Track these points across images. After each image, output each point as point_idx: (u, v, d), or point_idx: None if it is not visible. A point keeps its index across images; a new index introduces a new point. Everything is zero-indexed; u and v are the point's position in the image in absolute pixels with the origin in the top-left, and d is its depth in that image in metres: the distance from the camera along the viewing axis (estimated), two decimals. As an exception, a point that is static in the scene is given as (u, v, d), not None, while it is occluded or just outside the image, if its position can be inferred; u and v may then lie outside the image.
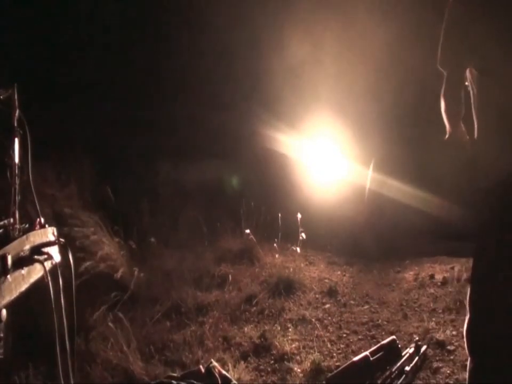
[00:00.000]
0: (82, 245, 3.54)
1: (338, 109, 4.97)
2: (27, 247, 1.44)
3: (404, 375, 2.38)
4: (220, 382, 2.33)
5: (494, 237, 1.88)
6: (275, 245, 4.32)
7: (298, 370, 2.72)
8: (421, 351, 2.65)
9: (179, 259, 4.15)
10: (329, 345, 3.00)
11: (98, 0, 5.60)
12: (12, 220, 1.47)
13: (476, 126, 2.12)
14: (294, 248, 4.22)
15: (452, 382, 2.50)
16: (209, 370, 2.37)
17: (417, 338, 2.84)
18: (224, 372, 2.42)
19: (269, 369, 2.78)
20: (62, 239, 1.61)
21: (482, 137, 2.11)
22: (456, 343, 2.81)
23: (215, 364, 2.45)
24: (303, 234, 4.11)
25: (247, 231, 4.25)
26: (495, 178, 1.93)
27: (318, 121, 5.01)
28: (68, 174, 4.33)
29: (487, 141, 2.09)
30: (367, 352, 2.48)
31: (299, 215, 4.16)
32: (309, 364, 2.74)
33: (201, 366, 2.45)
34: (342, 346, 3.01)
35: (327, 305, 3.58)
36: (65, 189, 4.17)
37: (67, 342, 1.51)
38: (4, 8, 4.66)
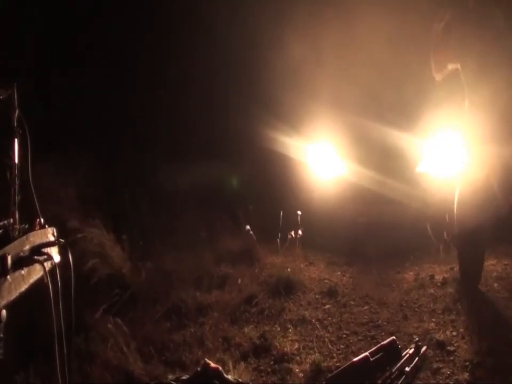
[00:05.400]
0: (82, 245, 3.54)
1: (339, 109, 4.97)
2: (27, 247, 1.44)
3: (404, 376, 2.37)
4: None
5: None
6: (276, 244, 4.32)
7: (298, 370, 2.72)
8: (421, 352, 2.64)
9: (179, 259, 4.14)
10: (329, 346, 2.99)
11: (100, 0, 5.60)
12: (11, 220, 1.47)
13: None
14: (294, 241, 4.23)
15: (452, 382, 2.51)
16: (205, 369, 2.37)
17: (417, 338, 2.83)
18: (220, 369, 2.42)
19: (269, 370, 2.78)
20: (61, 240, 1.61)
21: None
22: (456, 344, 2.81)
23: (208, 361, 2.45)
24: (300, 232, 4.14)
25: (247, 227, 4.25)
26: None
27: (318, 121, 5.00)
28: (68, 174, 4.33)
29: None
30: (367, 353, 2.47)
31: (299, 212, 4.20)
32: (308, 365, 2.74)
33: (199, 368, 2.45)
34: (342, 346, 3.01)
35: (327, 306, 3.58)
36: (65, 189, 4.17)
37: (64, 342, 1.51)
38: (7, 7, 4.66)
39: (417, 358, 2.55)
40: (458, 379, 2.51)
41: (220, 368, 2.41)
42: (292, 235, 4.24)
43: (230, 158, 5.33)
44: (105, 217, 4.04)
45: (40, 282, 1.46)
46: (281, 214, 4.44)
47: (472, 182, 2.91)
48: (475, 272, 3.35)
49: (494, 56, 2.42)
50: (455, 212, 3.23)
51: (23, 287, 1.38)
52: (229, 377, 2.39)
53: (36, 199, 1.61)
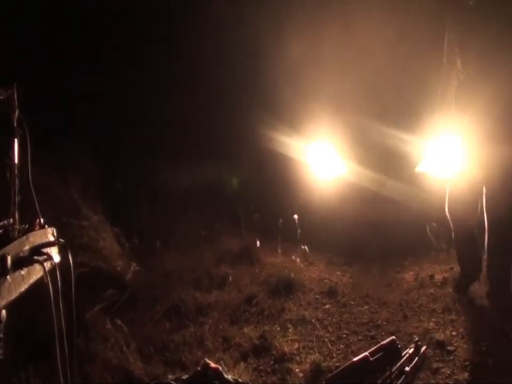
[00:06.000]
0: (82, 245, 3.54)
1: (339, 109, 4.97)
2: (27, 247, 1.44)
3: (404, 375, 2.37)
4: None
5: None
6: (276, 244, 4.32)
7: (298, 370, 2.72)
8: (421, 352, 2.64)
9: (179, 259, 4.14)
10: (329, 346, 3.00)
11: (99, 1, 5.60)
12: (11, 221, 1.47)
13: None
14: (294, 257, 4.25)
15: (451, 382, 2.51)
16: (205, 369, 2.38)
17: (417, 338, 2.83)
18: (220, 369, 2.42)
19: (269, 370, 2.78)
20: (61, 240, 1.61)
21: None
22: (456, 344, 2.81)
23: (208, 361, 2.45)
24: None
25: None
26: None
27: (318, 121, 5.01)
28: (67, 174, 4.33)
29: None
30: (366, 353, 2.47)
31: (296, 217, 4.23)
32: (308, 365, 2.74)
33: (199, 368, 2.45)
34: (341, 346, 3.01)
35: (327, 306, 3.58)
36: (65, 188, 4.16)
37: (65, 342, 1.51)
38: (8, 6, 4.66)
39: (417, 358, 2.55)
40: (458, 379, 2.51)
41: (220, 368, 2.41)
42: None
43: (230, 158, 5.33)
44: (105, 217, 4.04)
45: (40, 282, 1.46)
46: (281, 214, 4.44)
47: (470, 183, 2.90)
48: (473, 272, 3.36)
49: (494, 56, 2.43)
50: (449, 213, 3.19)
51: (23, 287, 1.38)
52: (229, 377, 2.40)
53: (36, 199, 1.61)
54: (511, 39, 2.40)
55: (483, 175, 2.73)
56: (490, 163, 2.64)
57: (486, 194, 2.84)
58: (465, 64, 2.53)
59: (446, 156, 3.50)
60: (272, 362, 2.85)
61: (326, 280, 4.03)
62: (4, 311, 1.33)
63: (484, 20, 2.44)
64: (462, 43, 2.54)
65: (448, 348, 2.78)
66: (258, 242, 4.33)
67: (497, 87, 2.40)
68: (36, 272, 1.45)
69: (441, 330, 2.98)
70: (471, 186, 2.84)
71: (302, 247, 4.27)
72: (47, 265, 1.50)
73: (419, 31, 4.36)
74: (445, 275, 3.78)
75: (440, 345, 2.81)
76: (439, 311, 3.28)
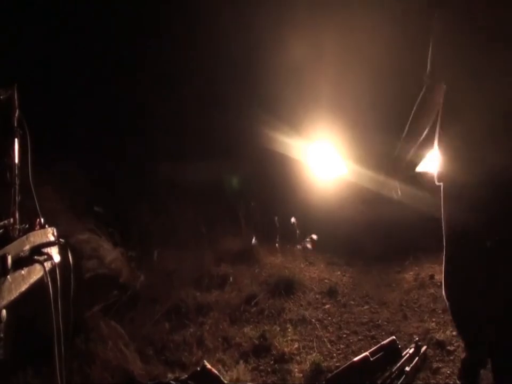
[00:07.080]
0: (81, 245, 3.53)
1: (338, 110, 4.97)
2: (27, 247, 1.45)
3: (404, 375, 2.37)
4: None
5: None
6: (276, 245, 4.32)
7: (298, 370, 2.72)
8: (421, 352, 2.65)
9: (179, 259, 4.14)
10: (329, 346, 3.00)
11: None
12: (12, 220, 1.47)
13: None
14: (298, 247, 4.25)
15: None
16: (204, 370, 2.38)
17: (417, 338, 2.84)
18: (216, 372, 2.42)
19: (269, 370, 2.78)
20: (61, 239, 1.61)
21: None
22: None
23: (206, 364, 2.45)
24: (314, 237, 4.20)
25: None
26: None
27: (318, 121, 5.01)
28: (66, 173, 4.32)
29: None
30: (367, 353, 2.48)
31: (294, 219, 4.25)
32: (308, 364, 2.74)
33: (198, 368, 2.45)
34: (342, 346, 3.01)
35: (327, 306, 3.58)
36: (63, 188, 4.16)
37: (63, 342, 1.51)
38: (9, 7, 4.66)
39: (417, 358, 2.56)
40: (458, 379, 2.50)
41: (216, 372, 2.41)
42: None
43: (230, 158, 5.34)
44: (105, 217, 4.04)
45: (40, 282, 1.46)
46: (281, 214, 4.44)
47: (462, 183, 2.74)
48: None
49: (485, 69, 2.32)
50: (442, 213, 2.95)
51: (23, 287, 1.38)
52: (227, 381, 2.40)
53: (36, 199, 1.61)
54: (502, 52, 2.30)
55: (475, 175, 2.52)
56: (483, 165, 2.46)
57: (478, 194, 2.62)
58: (453, 78, 2.41)
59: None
60: (272, 362, 2.85)
61: (326, 280, 4.04)
62: (4, 311, 1.33)
63: (474, 31, 2.33)
64: (449, 56, 2.41)
65: (448, 347, 2.78)
66: (257, 242, 4.34)
67: (489, 98, 2.30)
68: (36, 272, 1.45)
69: (441, 330, 2.98)
70: (464, 186, 2.62)
71: (302, 244, 4.27)
72: (47, 265, 1.50)
73: (419, 32, 4.36)
74: (445, 275, 3.78)
75: (440, 345, 2.81)
76: (439, 311, 3.28)
